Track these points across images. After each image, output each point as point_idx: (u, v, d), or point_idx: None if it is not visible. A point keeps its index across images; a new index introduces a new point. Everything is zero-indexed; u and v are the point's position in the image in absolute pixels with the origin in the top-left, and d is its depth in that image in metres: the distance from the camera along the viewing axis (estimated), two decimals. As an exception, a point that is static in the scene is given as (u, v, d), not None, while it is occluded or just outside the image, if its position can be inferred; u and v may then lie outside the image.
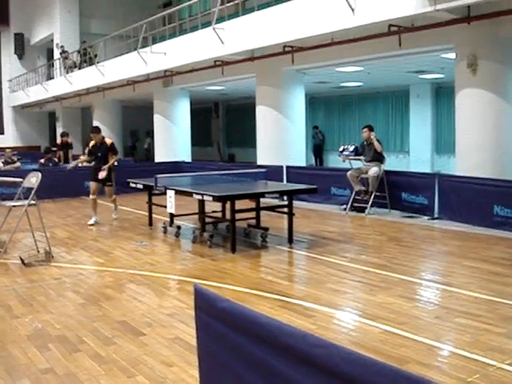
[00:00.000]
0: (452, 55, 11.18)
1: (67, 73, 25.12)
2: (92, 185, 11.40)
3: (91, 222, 11.13)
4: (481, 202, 9.84)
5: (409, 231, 10.06)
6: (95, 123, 25.62)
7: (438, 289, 6.36)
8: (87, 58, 23.50)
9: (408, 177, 11.96)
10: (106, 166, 11.16)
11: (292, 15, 12.11)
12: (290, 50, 13.73)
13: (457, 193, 10.42)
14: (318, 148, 24.11)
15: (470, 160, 10.49)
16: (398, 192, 11.72)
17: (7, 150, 18.16)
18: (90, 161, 11.98)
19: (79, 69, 24.45)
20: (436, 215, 10.86)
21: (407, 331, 4.88)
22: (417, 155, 19.93)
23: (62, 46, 26.60)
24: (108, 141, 11.46)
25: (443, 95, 19.04)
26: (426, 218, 10.95)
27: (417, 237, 9.52)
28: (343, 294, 6.17)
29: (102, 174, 11.11)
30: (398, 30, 11.10)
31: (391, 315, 5.32)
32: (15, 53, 33.07)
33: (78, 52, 24.83)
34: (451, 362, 4.34)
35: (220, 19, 14.57)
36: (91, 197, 11.25)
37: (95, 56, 22.13)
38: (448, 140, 17.95)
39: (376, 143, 11.71)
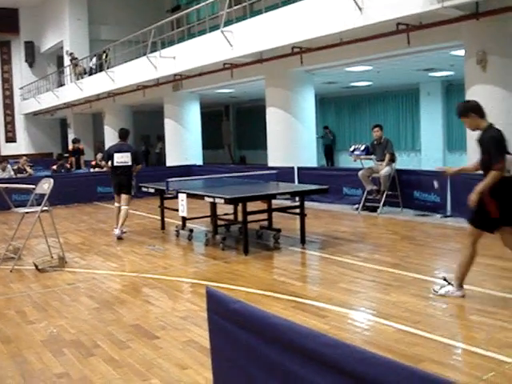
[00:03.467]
0: (461, 52, 11.12)
1: (77, 79, 25.26)
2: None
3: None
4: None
5: (421, 230, 10.03)
6: (106, 129, 25.75)
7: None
8: (99, 63, 23.55)
9: (420, 175, 11.92)
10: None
11: (299, 16, 12.11)
12: (299, 51, 13.72)
13: (469, 190, 10.27)
14: (328, 148, 24.03)
15: (481, 157, 10.42)
16: (410, 191, 11.69)
17: (23, 158, 18.02)
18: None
19: (90, 75, 24.54)
20: (449, 213, 10.82)
21: (421, 330, 4.86)
22: (428, 153, 19.82)
23: (71, 53, 26.74)
24: None
25: (454, 92, 18.89)
26: (438, 216, 10.91)
27: (430, 235, 9.48)
28: (356, 294, 6.15)
29: None
30: (406, 28, 11.06)
31: (405, 314, 5.31)
32: (26, 61, 33.29)
33: (98, 57, 24.69)
34: (466, 360, 4.32)
35: (228, 22, 14.59)
36: None
37: (106, 61, 22.18)
38: (460, 137, 17.84)
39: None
